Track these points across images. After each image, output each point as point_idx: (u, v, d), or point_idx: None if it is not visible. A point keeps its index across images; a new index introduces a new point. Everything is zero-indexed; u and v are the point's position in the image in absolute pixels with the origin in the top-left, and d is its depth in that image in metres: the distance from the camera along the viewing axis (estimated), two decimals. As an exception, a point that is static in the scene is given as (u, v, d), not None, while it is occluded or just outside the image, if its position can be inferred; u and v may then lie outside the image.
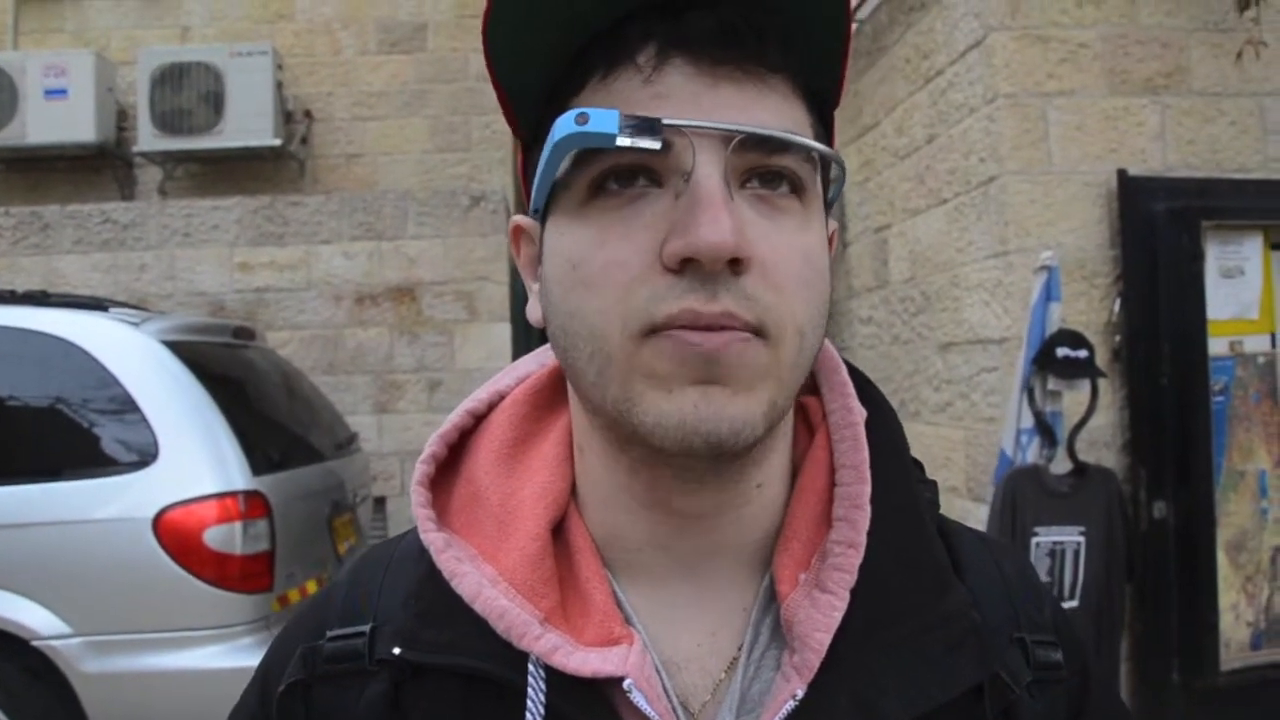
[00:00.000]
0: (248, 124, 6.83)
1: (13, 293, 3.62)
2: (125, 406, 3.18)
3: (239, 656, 3.04)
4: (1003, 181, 3.35)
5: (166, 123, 6.80)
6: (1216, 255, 3.30)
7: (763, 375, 0.53)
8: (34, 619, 3.02)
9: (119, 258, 6.39)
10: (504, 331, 6.41)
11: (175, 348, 3.35)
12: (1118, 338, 3.26)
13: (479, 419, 0.67)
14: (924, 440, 4.15)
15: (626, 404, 0.53)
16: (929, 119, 3.93)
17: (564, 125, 0.51)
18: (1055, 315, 3.01)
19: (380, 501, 5.88)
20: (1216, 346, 3.24)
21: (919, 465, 0.67)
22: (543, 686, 0.55)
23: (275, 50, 7.04)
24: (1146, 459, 3.18)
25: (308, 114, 7.36)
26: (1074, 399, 3.03)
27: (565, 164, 0.54)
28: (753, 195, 0.53)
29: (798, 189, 0.55)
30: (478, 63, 7.40)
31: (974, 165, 3.55)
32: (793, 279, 0.53)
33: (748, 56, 0.53)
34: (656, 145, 0.50)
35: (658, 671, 0.57)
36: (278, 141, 6.93)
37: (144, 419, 3.15)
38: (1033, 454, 2.97)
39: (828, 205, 0.60)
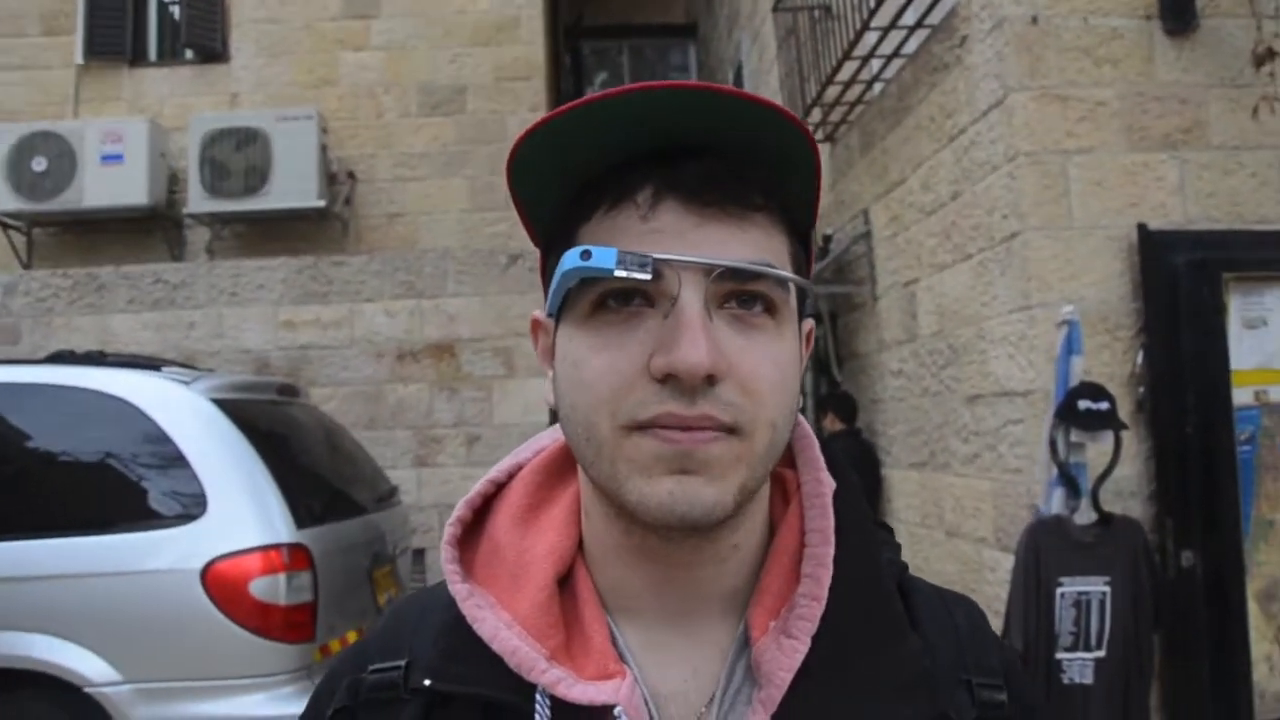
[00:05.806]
0: (293, 186, 7.05)
1: (72, 353, 3.79)
2: (176, 462, 3.31)
3: (281, 705, 3.13)
4: (1025, 237, 3.42)
5: (215, 185, 7.05)
6: (1239, 306, 3.33)
7: (734, 465, 0.63)
8: (87, 666, 3.13)
9: (169, 316, 6.62)
10: (540, 387, 6.49)
11: (223, 405, 3.49)
12: (1141, 389, 3.29)
13: (500, 486, 0.79)
14: (953, 491, 4.18)
15: (615, 483, 0.64)
16: (954, 176, 4.02)
17: (570, 259, 0.62)
18: (1078, 368, 3.06)
19: (419, 553, 5.96)
20: (1241, 396, 3.27)
21: (888, 529, 0.79)
22: (548, 713, 0.66)
23: (320, 114, 7.30)
24: (1173, 508, 3.21)
25: (351, 175, 7.58)
26: (1097, 450, 3.07)
27: (573, 282, 0.65)
28: (730, 315, 0.64)
29: (770, 308, 0.65)
30: (515, 124, 7.61)
31: (997, 221, 3.62)
32: (765, 385, 0.64)
33: (730, 199, 0.64)
34: (647, 276, 0.61)
35: (646, 703, 0.68)
36: (322, 203, 7.15)
37: (194, 474, 3.28)
38: (1058, 505, 3.01)
39: (803, 316, 0.71)
